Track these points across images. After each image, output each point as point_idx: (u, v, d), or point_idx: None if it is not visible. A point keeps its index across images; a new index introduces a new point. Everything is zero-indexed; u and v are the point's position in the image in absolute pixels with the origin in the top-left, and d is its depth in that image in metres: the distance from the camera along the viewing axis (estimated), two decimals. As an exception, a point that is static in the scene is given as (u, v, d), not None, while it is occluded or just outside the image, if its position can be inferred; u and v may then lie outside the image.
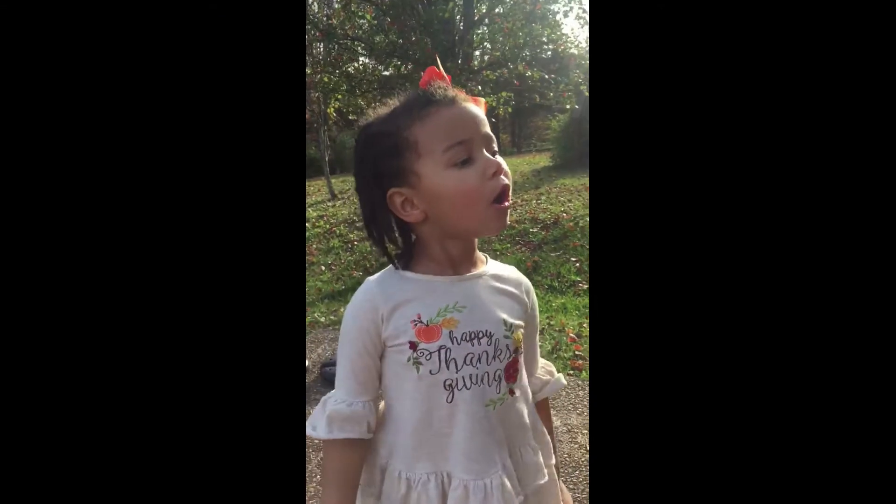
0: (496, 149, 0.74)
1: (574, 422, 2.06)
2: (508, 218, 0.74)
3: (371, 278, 0.79)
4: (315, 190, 9.55)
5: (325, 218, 6.93)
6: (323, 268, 5.01)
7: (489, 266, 0.81)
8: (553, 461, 0.89)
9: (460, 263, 0.78)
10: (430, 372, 0.75)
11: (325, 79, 6.67)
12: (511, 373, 0.79)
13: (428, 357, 0.74)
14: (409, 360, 0.75)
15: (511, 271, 0.85)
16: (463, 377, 0.75)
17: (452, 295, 0.76)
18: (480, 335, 0.75)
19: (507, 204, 0.73)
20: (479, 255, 0.82)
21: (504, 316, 0.78)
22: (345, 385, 0.77)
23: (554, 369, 0.94)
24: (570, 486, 1.72)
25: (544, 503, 0.85)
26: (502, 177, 0.72)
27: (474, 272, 0.79)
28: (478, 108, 0.74)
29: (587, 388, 2.30)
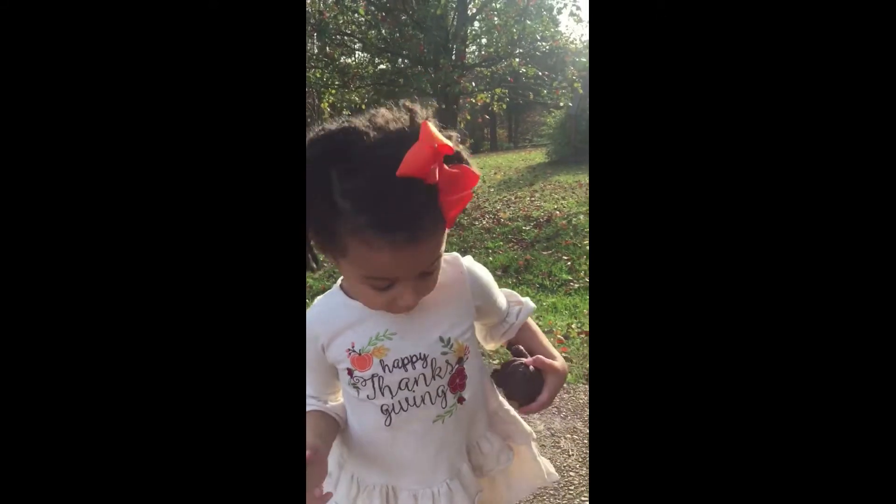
0: (431, 270, 0.68)
1: (557, 426, 2.05)
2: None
3: (317, 301, 0.80)
4: (309, 185, 9.50)
5: (317, 214, 6.91)
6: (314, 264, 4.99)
7: None
8: (529, 441, 0.90)
9: None
10: (368, 397, 0.76)
11: (317, 73, 6.63)
12: (457, 383, 0.79)
13: (363, 384, 0.75)
14: (349, 383, 0.77)
15: (449, 269, 0.78)
16: (399, 401, 0.75)
17: (384, 322, 0.74)
18: (414, 359, 0.74)
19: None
20: None
21: (439, 333, 0.76)
22: (307, 381, 0.80)
23: (518, 296, 0.90)
24: (551, 492, 1.71)
25: (511, 481, 0.89)
26: (406, 308, 0.69)
27: None
28: (427, 250, 0.64)
29: (571, 391, 2.29)
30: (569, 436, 1.98)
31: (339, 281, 0.80)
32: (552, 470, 0.93)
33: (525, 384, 0.79)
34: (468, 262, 0.81)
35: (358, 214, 0.60)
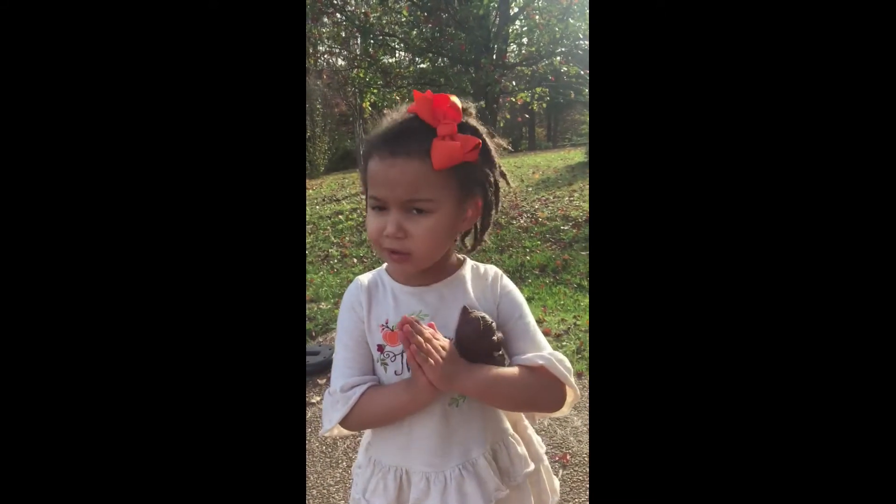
0: (422, 207, 0.75)
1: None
2: (410, 267, 0.79)
3: (360, 277, 0.87)
4: (350, 182, 9.69)
5: (358, 210, 7.04)
6: (355, 260, 5.10)
7: (460, 272, 0.85)
8: (540, 463, 0.91)
9: (425, 273, 0.82)
10: (395, 373, 0.81)
11: (361, 73, 6.77)
12: None
13: (392, 359, 0.81)
14: (377, 360, 0.82)
15: (483, 272, 0.86)
16: None
17: (418, 304, 0.81)
18: None
19: (396, 257, 0.77)
20: (456, 259, 0.86)
21: None
22: (337, 374, 0.83)
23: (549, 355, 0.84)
24: (587, 486, 1.75)
25: (529, 493, 0.88)
26: (391, 241, 0.75)
27: (441, 281, 0.83)
28: (405, 170, 0.73)
29: (609, 389, 2.30)
30: (605, 433, 2.00)
31: (384, 265, 0.87)
32: (556, 487, 0.95)
33: (482, 327, 0.76)
34: (504, 276, 0.88)
35: (372, 138, 0.78)
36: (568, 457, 1.88)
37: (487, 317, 0.78)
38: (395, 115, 0.79)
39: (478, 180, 0.79)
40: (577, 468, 1.83)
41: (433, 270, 0.82)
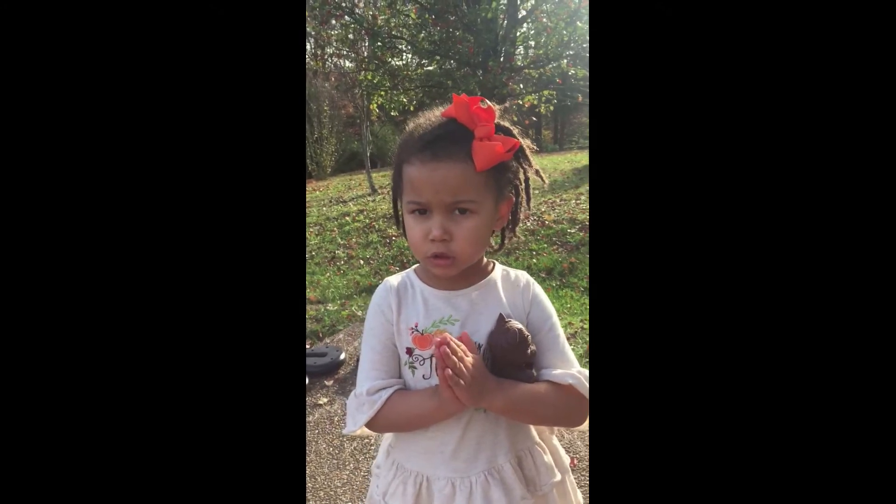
0: (465, 207, 0.75)
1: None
2: (453, 270, 0.79)
3: (389, 279, 0.87)
4: (356, 184, 9.71)
5: (364, 212, 7.06)
6: (361, 262, 5.11)
7: (492, 276, 0.85)
8: (565, 474, 0.91)
9: (458, 277, 0.82)
10: (423, 377, 0.81)
11: (369, 76, 6.78)
12: None
13: (421, 363, 0.81)
14: (405, 363, 0.82)
15: (513, 278, 0.86)
16: None
17: (448, 309, 0.81)
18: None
19: (441, 262, 0.77)
20: (485, 264, 0.86)
21: None
22: (364, 376, 0.83)
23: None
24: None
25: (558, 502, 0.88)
26: (437, 244, 0.75)
27: (472, 286, 0.83)
28: (449, 173, 0.73)
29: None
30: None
31: (414, 267, 0.88)
32: (581, 500, 0.95)
33: (518, 340, 0.76)
34: (535, 283, 0.88)
35: (409, 146, 0.78)
36: (575, 461, 1.88)
37: (524, 329, 0.78)
38: (427, 118, 0.79)
39: (510, 179, 0.80)
40: (585, 473, 1.82)
41: (466, 273, 0.82)
